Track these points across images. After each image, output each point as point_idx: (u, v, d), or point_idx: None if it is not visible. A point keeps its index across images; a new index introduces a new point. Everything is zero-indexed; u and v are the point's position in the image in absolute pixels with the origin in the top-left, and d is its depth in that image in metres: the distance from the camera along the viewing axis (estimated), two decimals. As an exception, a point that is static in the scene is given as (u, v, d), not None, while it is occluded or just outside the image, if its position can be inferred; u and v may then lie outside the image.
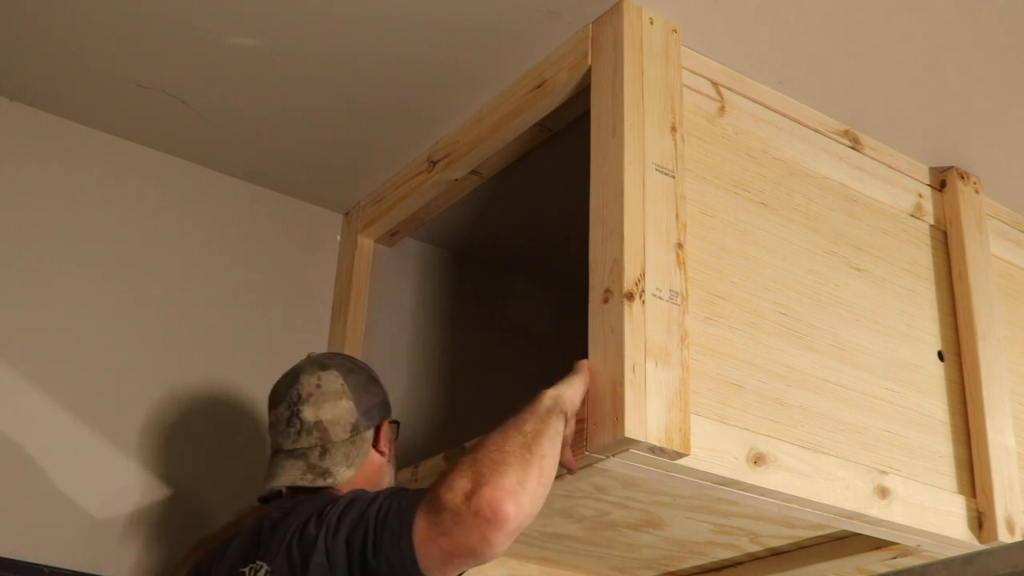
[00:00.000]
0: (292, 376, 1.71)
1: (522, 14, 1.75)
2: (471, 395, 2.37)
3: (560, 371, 1.55)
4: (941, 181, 2.10)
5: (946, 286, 2.03)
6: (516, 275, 2.57)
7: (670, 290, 1.59)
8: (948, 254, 2.05)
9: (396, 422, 1.78)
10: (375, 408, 1.71)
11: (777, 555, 2.00)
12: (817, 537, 1.90)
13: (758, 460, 1.61)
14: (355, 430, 1.66)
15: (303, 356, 1.77)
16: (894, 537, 1.81)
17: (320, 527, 1.40)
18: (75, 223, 2.04)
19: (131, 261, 2.08)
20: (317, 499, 1.51)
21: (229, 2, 1.77)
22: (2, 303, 1.93)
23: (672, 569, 2.14)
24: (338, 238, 2.36)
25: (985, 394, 1.92)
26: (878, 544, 1.87)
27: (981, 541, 1.83)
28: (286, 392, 1.69)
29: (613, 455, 1.52)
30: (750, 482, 1.60)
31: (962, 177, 2.09)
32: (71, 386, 1.95)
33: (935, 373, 1.94)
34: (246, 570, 1.49)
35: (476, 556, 1.32)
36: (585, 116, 1.75)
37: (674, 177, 1.67)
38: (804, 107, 1.94)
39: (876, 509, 1.72)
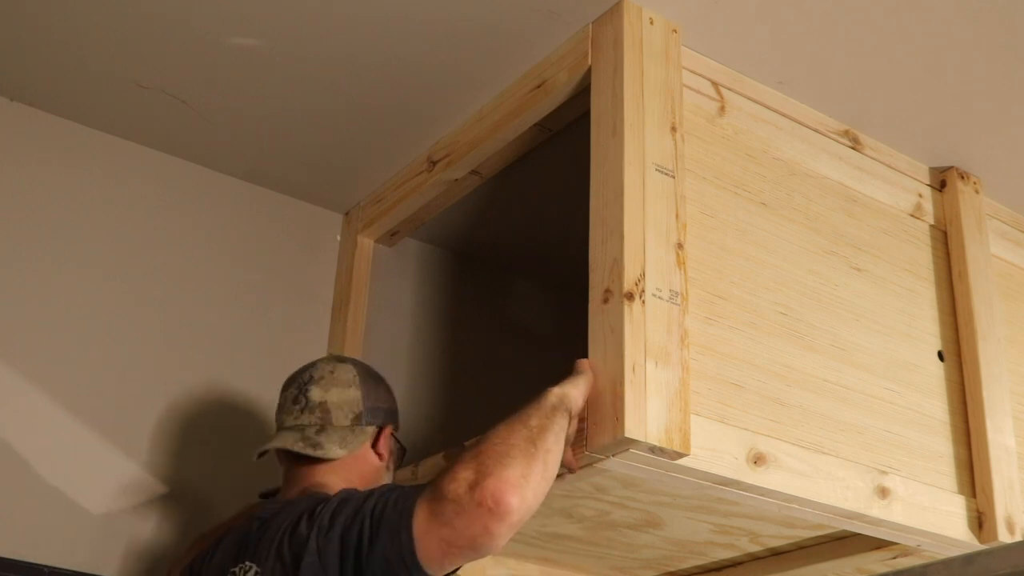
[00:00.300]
0: (309, 365, 1.74)
1: (522, 14, 1.75)
2: (471, 395, 2.37)
3: (560, 371, 1.55)
4: (941, 181, 2.10)
5: (946, 286, 2.03)
6: (516, 275, 2.57)
7: (670, 290, 1.59)
8: (948, 254, 2.05)
9: (401, 444, 1.77)
10: (383, 410, 1.72)
11: (777, 555, 2.00)
12: (817, 537, 1.90)
13: (758, 460, 1.61)
14: (357, 420, 1.67)
15: (303, 356, 1.78)
16: (894, 537, 1.81)
17: (312, 526, 1.40)
18: (75, 223, 2.04)
19: (131, 261, 2.08)
20: (307, 500, 1.50)
21: (229, 2, 1.77)
22: (2, 303, 1.93)
23: (672, 569, 2.14)
24: (338, 238, 2.36)
25: (985, 394, 1.92)
26: (878, 544, 1.87)
27: (981, 541, 1.83)
28: (298, 376, 1.73)
29: (613, 455, 1.52)
30: (750, 482, 1.59)
31: (962, 177, 2.09)
32: (71, 386, 1.95)
33: (935, 373, 1.94)
34: (236, 570, 1.49)
35: (476, 548, 1.31)
36: (585, 116, 1.75)
37: (674, 177, 1.67)
38: (804, 107, 1.94)
39: (876, 509, 1.72)
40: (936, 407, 1.91)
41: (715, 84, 1.82)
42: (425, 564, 1.31)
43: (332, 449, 1.63)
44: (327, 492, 1.53)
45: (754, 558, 2.03)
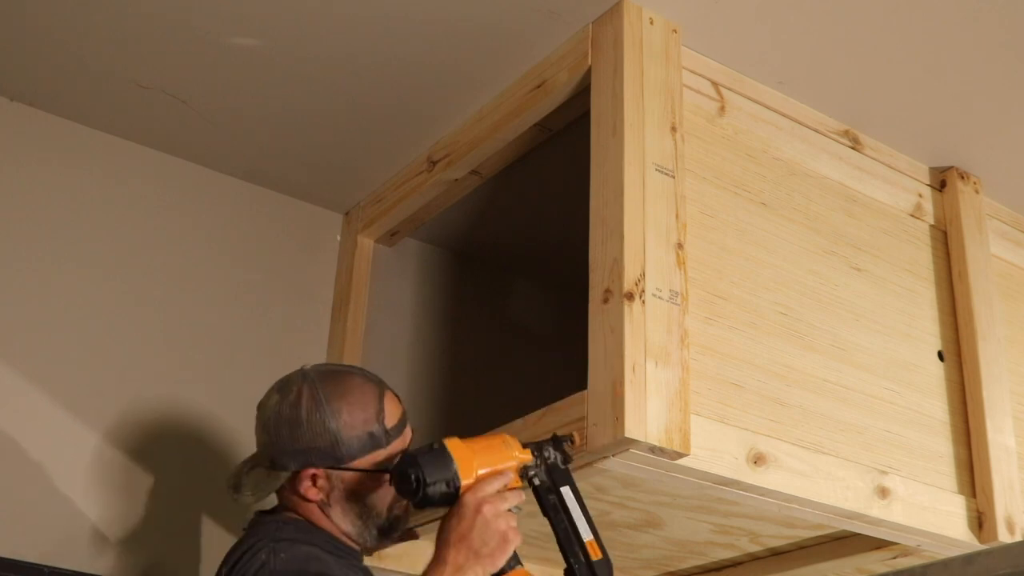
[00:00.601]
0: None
1: (522, 14, 1.75)
2: (471, 395, 2.36)
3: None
4: (941, 181, 2.10)
5: (946, 286, 2.03)
6: (516, 275, 2.57)
7: (670, 290, 1.59)
8: (948, 254, 2.05)
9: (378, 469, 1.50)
10: (303, 452, 1.48)
11: (777, 555, 2.00)
12: (817, 537, 1.90)
13: (758, 460, 1.61)
14: (272, 464, 1.51)
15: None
16: (894, 537, 1.82)
17: None
18: (75, 223, 2.04)
19: (131, 261, 2.08)
20: (245, 541, 1.45)
21: (229, 2, 1.77)
22: (2, 303, 1.93)
23: (672, 569, 2.14)
24: (338, 238, 2.36)
25: (985, 394, 1.92)
26: (878, 544, 1.87)
27: (981, 541, 1.83)
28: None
29: (613, 455, 1.52)
30: (750, 482, 1.60)
31: (962, 177, 2.09)
32: (71, 386, 1.95)
33: (935, 373, 1.94)
34: None
35: None
36: (585, 116, 1.75)
37: (674, 177, 1.67)
38: (804, 107, 1.94)
39: (876, 509, 1.72)
40: (936, 407, 1.91)
41: (715, 84, 1.82)
42: None
43: (246, 495, 1.51)
44: (266, 529, 1.46)
45: (754, 558, 2.03)
